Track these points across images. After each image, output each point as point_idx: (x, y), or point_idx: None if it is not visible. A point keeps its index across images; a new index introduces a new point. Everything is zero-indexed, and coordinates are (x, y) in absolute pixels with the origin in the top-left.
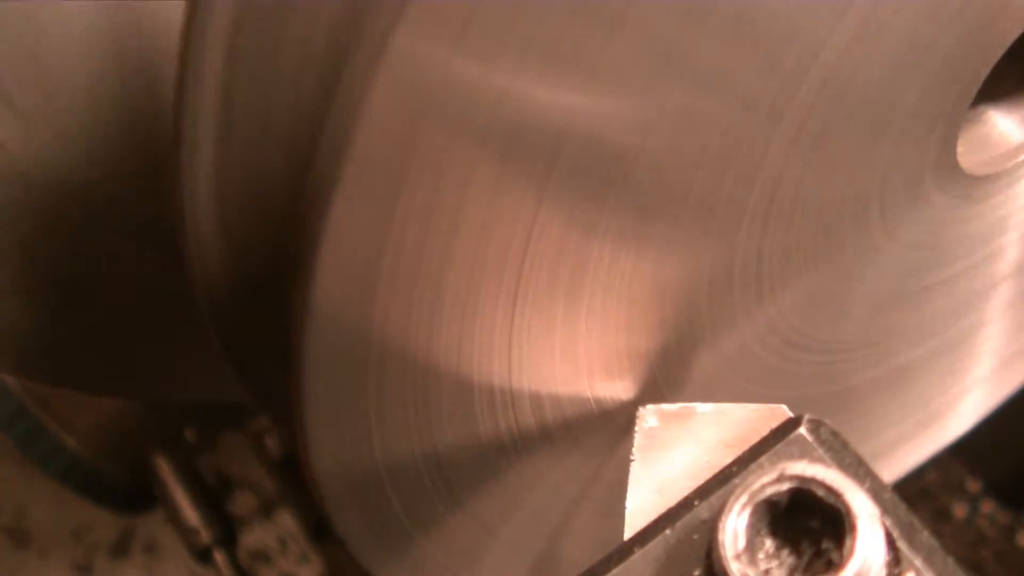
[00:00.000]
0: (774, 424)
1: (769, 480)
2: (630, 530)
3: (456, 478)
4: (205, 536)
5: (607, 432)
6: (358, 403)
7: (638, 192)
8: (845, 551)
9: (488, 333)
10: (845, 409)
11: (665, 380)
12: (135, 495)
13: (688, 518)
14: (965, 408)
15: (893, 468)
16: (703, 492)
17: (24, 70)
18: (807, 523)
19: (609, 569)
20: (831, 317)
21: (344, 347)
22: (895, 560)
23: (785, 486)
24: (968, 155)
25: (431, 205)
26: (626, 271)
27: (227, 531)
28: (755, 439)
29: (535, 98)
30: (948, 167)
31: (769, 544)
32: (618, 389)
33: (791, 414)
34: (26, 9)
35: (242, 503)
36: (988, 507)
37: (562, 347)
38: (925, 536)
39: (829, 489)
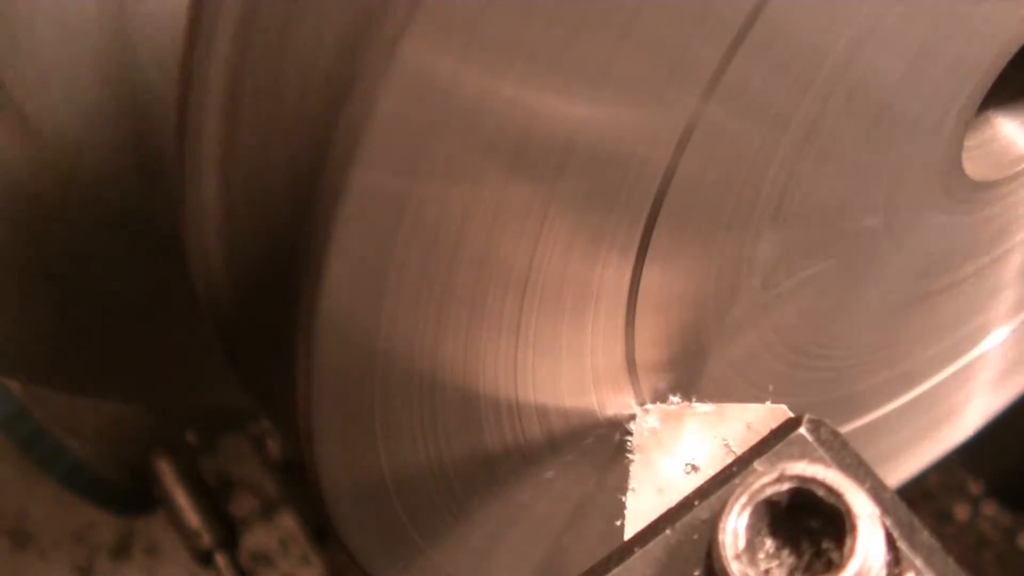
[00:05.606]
0: (774, 424)
1: (769, 480)
2: (630, 530)
3: (462, 487)
4: (206, 538)
5: (613, 439)
6: (364, 414)
7: (644, 201)
8: (845, 551)
9: (494, 344)
10: (851, 414)
11: (673, 389)
12: (136, 497)
13: (688, 518)
14: (970, 412)
15: (898, 472)
16: (703, 492)
17: (22, 70)
18: (807, 523)
19: (609, 569)
20: (837, 323)
21: (351, 357)
22: (895, 560)
23: (785, 486)
24: (974, 160)
25: (438, 214)
26: (632, 280)
27: (228, 533)
28: (755, 439)
29: (543, 108)
30: (954, 172)
31: (769, 544)
32: (625, 399)
33: (791, 414)
34: (25, 8)
35: (243, 505)
36: (990, 509)
37: (568, 358)
38: (925, 536)
39: (829, 489)
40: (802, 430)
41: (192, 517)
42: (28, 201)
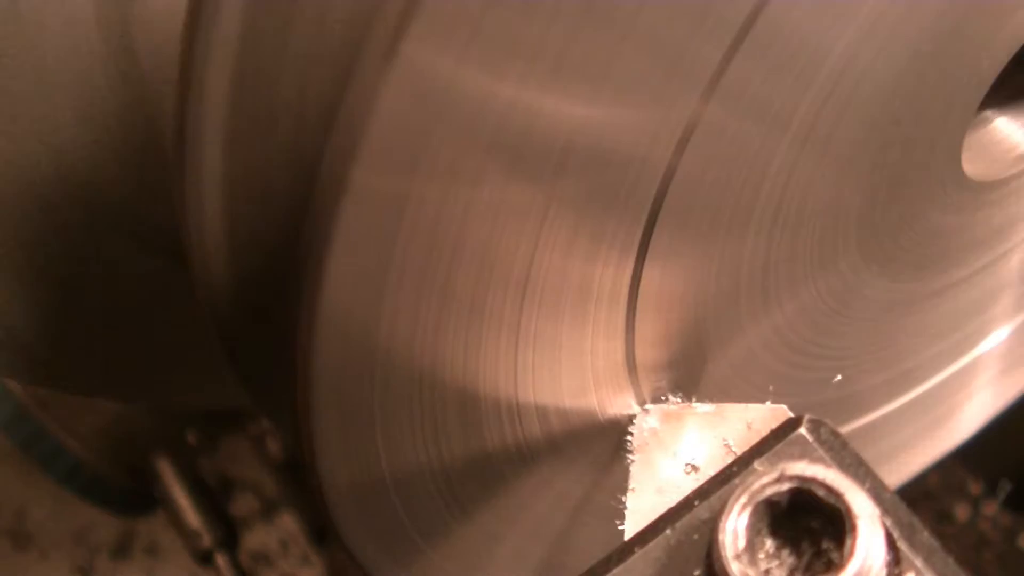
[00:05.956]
0: (774, 424)
1: (769, 480)
2: (630, 530)
3: (462, 487)
4: (206, 538)
5: (613, 439)
6: (364, 414)
7: (644, 201)
8: (845, 551)
9: (494, 344)
10: (851, 414)
11: (673, 389)
12: (136, 498)
13: (688, 518)
14: (969, 413)
15: (898, 472)
16: (703, 492)
17: (23, 71)
18: (807, 523)
19: (609, 569)
20: (837, 323)
21: (351, 357)
22: (895, 560)
23: (785, 486)
24: (974, 161)
25: (438, 214)
26: (632, 280)
27: (228, 533)
28: (755, 439)
29: (543, 108)
30: (954, 173)
31: (769, 544)
32: (625, 399)
33: (791, 414)
34: (24, 10)
35: (243, 505)
36: (990, 509)
37: (568, 358)
38: (925, 536)
39: (829, 489)
40: (802, 430)
41: (192, 517)
42: (29, 202)
